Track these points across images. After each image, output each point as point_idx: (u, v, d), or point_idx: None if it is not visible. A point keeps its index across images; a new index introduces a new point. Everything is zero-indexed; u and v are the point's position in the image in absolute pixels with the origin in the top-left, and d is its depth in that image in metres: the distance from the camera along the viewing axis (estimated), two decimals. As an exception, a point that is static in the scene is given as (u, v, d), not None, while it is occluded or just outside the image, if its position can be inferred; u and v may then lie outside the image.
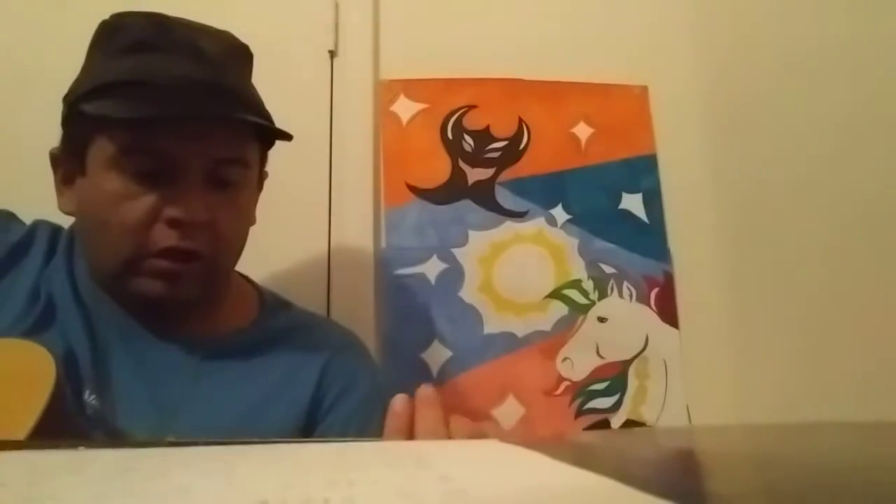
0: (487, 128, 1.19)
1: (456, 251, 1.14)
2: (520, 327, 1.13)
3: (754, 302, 1.11)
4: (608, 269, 1.16)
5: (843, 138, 0.90)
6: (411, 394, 0.46)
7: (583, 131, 1.21)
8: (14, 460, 0.27)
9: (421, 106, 1.18)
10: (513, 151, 1.19)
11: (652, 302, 1.16)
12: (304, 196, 1.11)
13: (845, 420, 0.77)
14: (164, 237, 0.65)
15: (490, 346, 1.11)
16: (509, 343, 1.12)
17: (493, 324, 1.12)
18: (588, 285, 1.15)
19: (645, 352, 1.14)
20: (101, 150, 0.66)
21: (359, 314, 1.05)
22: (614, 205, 1.19)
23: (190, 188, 0.65)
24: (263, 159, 0.77)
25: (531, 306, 1.14)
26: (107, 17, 0.70)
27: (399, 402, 0.45)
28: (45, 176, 0.72)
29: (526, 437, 1.05)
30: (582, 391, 1.12)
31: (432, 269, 1.13)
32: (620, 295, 1.15)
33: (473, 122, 1.19)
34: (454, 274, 1.13)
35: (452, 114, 1.19)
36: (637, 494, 0.19)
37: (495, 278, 1.14)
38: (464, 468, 0.25)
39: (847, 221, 0.90)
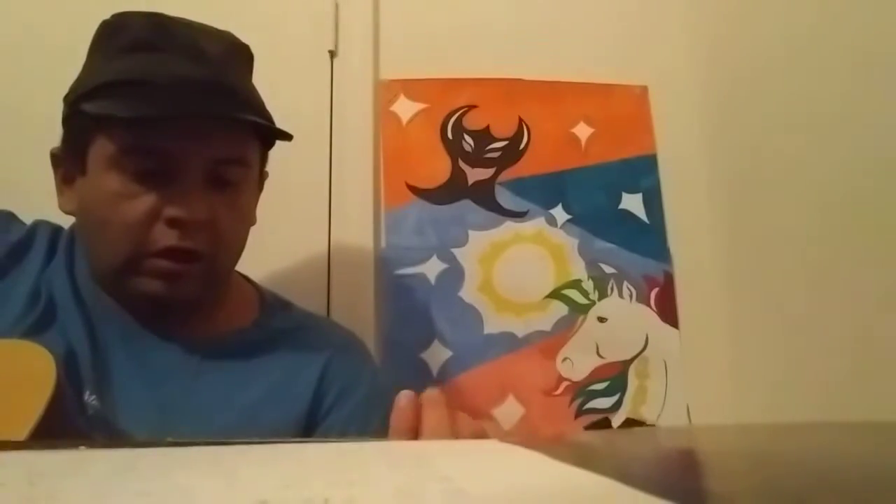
0: (487, 128, 1.19)
1: (456, 251, 1.14)
2: (520, 327, 1.13)
3: (753, 302, 1.11)
4: (608, 269, 1.16)
5: (843, 138, 0.90)
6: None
7: (583, 131, 1.21)
8: (14, 460, 0.27)
9: (421, 106, 1.18)
10: (513, 151, 1.19)
11: (652, 302, 1.16)
12: (304, 196, 1.11)
13: (844, 420, 0.77)
14: (165, 237, 0.65)
15: (490, 346, 1.11)
16: (509, 343, 1.12)
17: (493, 324, 1.12)
18: (588, 285, 1.15)
19: (645, 352, 1.14)
20: (101, 149, 0.66)
21: (359, 314, 1.05)
22: (614, 205, 1.19)
23: (190, 188, 0.65)
24: (264, 159, 0.77)
25: (531, 306, 1.14)
26: (107, 16, 0.70)
27: (404, 398, 0.45)
28: (46, 176, 0.72)
29: (526, 436, 1.05)
30: (582, 391, 1.12)
31: (432, 269, 1.13)
32: (620, 295, 1.15)
33: (473, 122, 1.19)
34: (454, 274, 1.13)
35: (452, 114, 1.19)
36: (637, 494, 0.19)
37: (495, 278, 1.14)
38: (464, 468, 0.25)
39: (847, 222, 0.90)
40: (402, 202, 1.15)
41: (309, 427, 0.72)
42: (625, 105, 1.23)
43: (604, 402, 1.12)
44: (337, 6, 1.19)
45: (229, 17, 0.75)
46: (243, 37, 0.74)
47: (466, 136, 1.18)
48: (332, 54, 1.18)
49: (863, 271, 0.87)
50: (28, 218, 0.77)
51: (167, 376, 0.69)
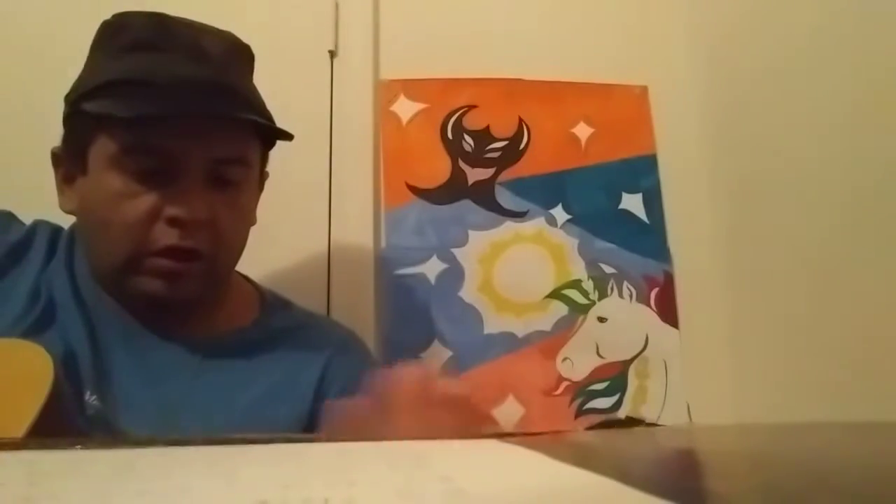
0: (487, 128, 1.19)
1: (456, 251, 1.14)
2: (520, 327, 1.13)
3: (754, 302, 1.11)
4: (608, 269, 1.16)
5: (843, 138, 0.90)
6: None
7: (583, 131, 1.21)
8: (13, 460, 0.27)
9: (421, 106, 1.18)
10: (513, 151, 1.19)
11: (652, 302, 1.16)
12: (304, 196, 1.10)
13: (845, 420, 0.77)
14: (165, 236, 0.65)
15: (490, 346, 1.11)
16: (509, 343, 1.12)
17: (493, 324, 1.12)
18: (588, 285, 1.15)
19: (645, 352, 1.14)
20: (102, 148, 0.66)
21: (359, 314, 1.05)
22: (614, 205, 1.19)
23: (191, 187, 0.65)
24: (264, 159, 0.77)
25: (531, 306, 1.14)
26: (109, 16, 0.70)
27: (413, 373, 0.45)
28: (46, 176, 0.72)
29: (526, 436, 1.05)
30: (582, 391, 1.12)
31: (432, 269, 1.13)
32: (620, 295, 1.15)
33: (473, 122, 1.19)
34: (454, 274, 1.13)
35: (452, 114, 1.19)
36: (637, 494, 0.19)
37: (495, 278, 1.14)
38: (464, 468, 0.25)
39: (847, 221, 0.90)
40: (402, 202, 1.15)
41: (310, 427, 0.72)
42: (625, 105, 1.23)
43: (604, 402, 1.12)
44: (337, 6, 1.19)
45: (230, 17, 0.75)
46: (244, 37, 0.74)
47: (466, 136, 1.18)
48: (332, 54, 1.18)
49: (863, 271, 0.87)
50: (28, 218, 0.77)
51: (167, 376, 0.69)
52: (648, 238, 1.18)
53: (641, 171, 1.20)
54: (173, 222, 0.65)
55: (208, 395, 0.69)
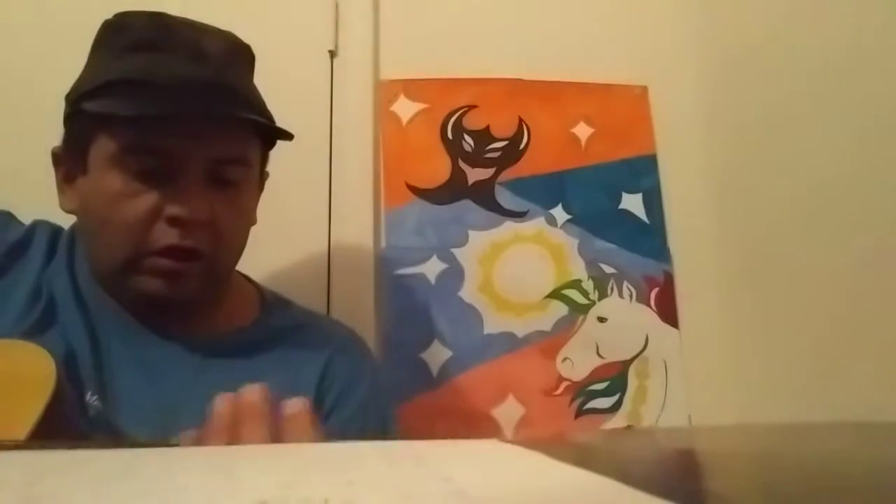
0: (487, 128, 1.19)
1: (456, 251, 1.14)
2: (520, 327, 1.13)
3: (754, 302, 1.11)
4: (608, 269, 1.16)
5: (843, 138, 0.90)
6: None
7: (583, 131, 1.21)
8: (14, 460, 0.27)
9: (421, 106, 1.18)
10: (513, 151, 1.19)
11: (652, 302, 1.16)
12: (304, 196, 1.10)
13: (846, 420, 0.77)
14: (165, 235, 0.65)
15: (490, 346, 1.11)
16: (509, 343, 1.12)
17: (493, 324, 1.12)
18: (588, 285, 1.15)
19: (645, 352, 1.14)
20: (102, 148, 0.66)
21: (359, 314, 1.05)
22: (614, 205, 1.19)
23: (191, 187, 0.66)
24: (264, 159, 0.77)
25: (531, 306, 1.14)
26: (110, 16, 0.71)
27: (224, 401, 0.45)
28: (46, 176, 0.72)
29: (526, 436, 1.05)
30: (582, 391, 1.12)
31: (432, 269, 1.13)
32: (620, 295, 1.15)
33: (473, 122, 1.19)
34: (454, 274, 1.13)
35: (452, 114, 1.19)
36: (637, 494, 0.19)
37: (495, 278, 1.14)
38: (464, 468, 0.25)
39: (847, 220, 0.90)
40: (402, 202, 1.15)
41: (310, 427, 0.72)
42: (625, 105, 1.23)
43: (604, 402, 1.12)
44: (337, 6, 1.19)
45: (230, 17, 0.75)
46: (244, 37, 0.74)
47: (466, 136, 1.18)
48: (332, 54, 1.18)
49: (863, 270, 0.87)
50: (28, 218, 0.77)
51: (168, 375, 0.69)
52: (648, 238, 1.18)
53: (641, 171, 1.20)
54: (173, 222, 0.65)
55: (209, 394, 0.69)
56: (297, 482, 0.22)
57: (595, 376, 1.12)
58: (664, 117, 1.22)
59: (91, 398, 0.65)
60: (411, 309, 1.11)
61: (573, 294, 1.15)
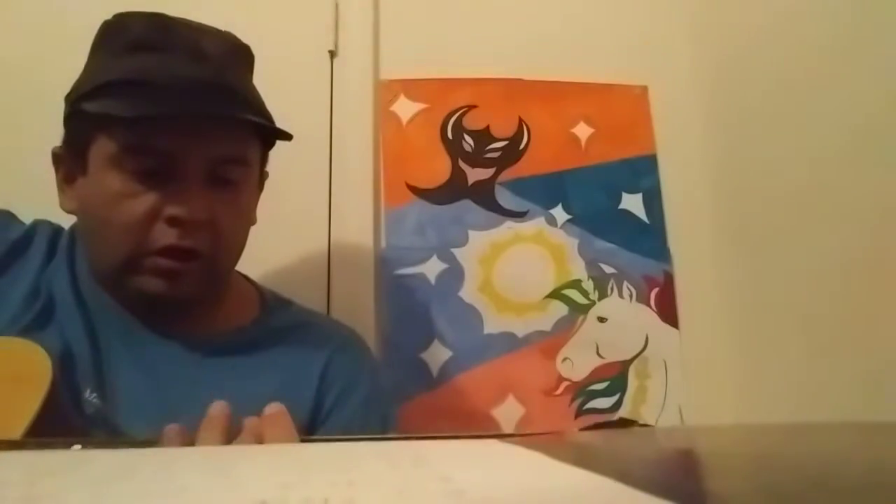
0: (487, 128, 1.19)
1: (456, 251, 1.14)
2: (520, 327, 1.13)
3: (754, 302, 1.11)
4: (608, 269, 1.16)
5: (843, 138, 0.90)
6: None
7: (583, 131, 1.21)
8: (13, 460, 0.27)
9: (421, 106, 1.18)
10: (513, 151, 1.19)
11: (652, 302, 1.16)
12: (304, 196, 1.10)
13: (846, 420, 0.77)
14: (165, 235, 0.65)
15: (490, 346, 1.11)
16: (509, 343, 1.12)
17: (493, 324, 1.12)
18: (588, 285, 1.15)
19: (645, 352, 1.14)
20: (102, 148, 0.66)
21: (359, 314, 1.05)
22: (614, 205, 1.19)
23: (190, 187, 0.66)
24: (264, 159, 0.77)
25: (531, 306, 1.14)
26: (109, 17, 0.71)
27: (218, 407, 0.47)
28: (46, 176, 0.72)
29: (526, 436, 1.05)
30: (582, 391, 1.12)
31: (432, 269, 1.13)
32: (620, 295, 1.15)
33: (473, 122, 1.19)
34: (454, 274, 1.13)
35: (452, 114, 1.19)
36: (637, 494, 0.19)
37: (495, 278, 1.14)
38: (463, 468, 0.25)
39: (847, 220, 0.90)
40: (402, 202, 1.15)
41: (311, 427, 0.72)
42: (625, 105, 1.23)
43: (604, 402, 1.12)
44: (337, 6, 1.19)
45: (230, 18, 0.75)
46: (243, 37, 0.74)
47: (466, 136, 1.18)
48: (332, 54, 1.18)
49: (863, 270, 0.87)
50: (28, 218, 0.77)
51: (168, 375, 0.69)
52: (648, 238, 1.18)
53: (641, 171, 1.20)
54: (173, 222, 0.65)
55: (208, 394, 0.69)
56: (297, 482, 0.22)
57: (595, 376, 1.12)
58: (664, 117, 1.22)
59: (90, 396, 0.65)
60: (411, 309, 1.11)
61: (573, 294, 1.15)
